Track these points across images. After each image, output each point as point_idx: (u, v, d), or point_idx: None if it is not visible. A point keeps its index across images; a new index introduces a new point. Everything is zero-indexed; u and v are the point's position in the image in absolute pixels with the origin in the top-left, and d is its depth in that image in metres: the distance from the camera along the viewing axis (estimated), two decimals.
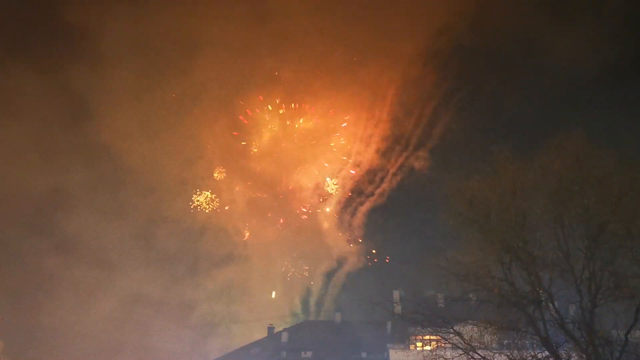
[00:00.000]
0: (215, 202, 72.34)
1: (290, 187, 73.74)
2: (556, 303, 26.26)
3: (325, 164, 74.49)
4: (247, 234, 72.44)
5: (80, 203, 67.08)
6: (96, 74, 67.67)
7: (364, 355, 54.25)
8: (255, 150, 74.22)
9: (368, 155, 73.61)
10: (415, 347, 48.63)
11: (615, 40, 64.72)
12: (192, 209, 71.24)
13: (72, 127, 68.68)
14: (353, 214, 73.27)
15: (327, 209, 73.98)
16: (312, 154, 74.10)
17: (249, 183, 73.76)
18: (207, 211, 71.50)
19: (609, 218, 24.58)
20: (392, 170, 73.30)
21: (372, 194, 73.53)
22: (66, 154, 67.86)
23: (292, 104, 73.91)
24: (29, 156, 66.64)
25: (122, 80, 68.23)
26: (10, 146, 65.92)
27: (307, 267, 71.83)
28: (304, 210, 74.01)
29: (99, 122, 68.88)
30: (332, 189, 74.02)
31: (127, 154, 68.11)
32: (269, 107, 73.59)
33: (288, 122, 74.08)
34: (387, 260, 72.39)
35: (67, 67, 68.22)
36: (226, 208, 72.91)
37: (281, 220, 73.28)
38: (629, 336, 24.88)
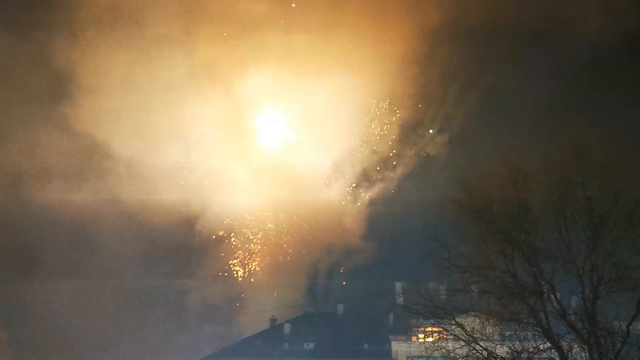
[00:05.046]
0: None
1: (297, 170, 72.31)
2: (558, 294, 26.29)
3: (335, 148, 73.01)
4: (248, 218, 71.25)
5: (64, 187, 63.94)
6: (79, 46, 63.60)
7: (365, 346, 54.35)
8: (259, 131, 72.52)
9: (378, 140, 72.55)
10: (417, 338, 48.70)
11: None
12: (188, 194, 69.95)
13: (52, 102, 63.93)
14: (360, 202, 72.59)
15: (334, 195, 72.97)
16: (322, 136, 72.37)
17: (252, 165, 72.21)
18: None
19: (612, 209, 24.56)
20: (403, 157, 72.42)
21: (381, 181, 72.77)
22: (46, 131, 63.92)
23: (303, 83, 71.86)
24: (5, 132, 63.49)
25: (109, 52, 65.43)
26: None
27: (309, 257, 71.38)
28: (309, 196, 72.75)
29: (84, 99, 64.01)
30: (340, 175, 72.93)
31: (116, 135, 64.45)
32: (277, 85, 71.74)
33: (299, 101, 72.23)
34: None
35: (45, 36, 63.18)
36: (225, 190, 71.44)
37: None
38: (630, 327, 24.88)
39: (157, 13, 67.06)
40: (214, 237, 69.53)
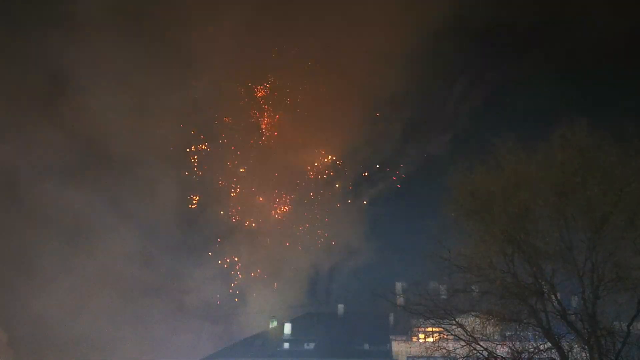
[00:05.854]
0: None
1: (296, 171, 72.34)
2: (558, 294, 26.29)
3: (337, 147, 72.92)
4: (251, 220, 71.26)
5: (62, 186, 63.60)
6: (75, 40, 63.94)
7: (366, 346, 54.34)
8: (259, 130, 72.57)
9: (380, 140, 72.45)
10: (418, 338, 48.70)
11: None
12: (190, 199, 69.95)
13: (47, 98, 64.89)
14: (360, 202, 72.50)
15: (334, 195, 72.93)
16: (321, 136, 72.24)
17: (251, 163, 72.14)
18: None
19: (612, 209, 24.49)
20: (404, 157, 72.35)
21: (382, 181, 72.74)
22: (44, 129, 64.05)
23: (301, 83, 71.88)
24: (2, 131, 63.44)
25: (106, 48, 65.03)
26: None
27: (310, 257, 71.34)
28: (310, 195, 72.70)
29: (79, 95, 65.07)
30: (340, 175, 72.89)
31: (115, 132, 64.81)
32: (276, 85, 71.74)
33: (299, 100, 72.15)
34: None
35: (44, 35, 63.88)
36: (226, 186, 71.33)
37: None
38: (631, 327, 24.87)
39: (157, 13, 67.42)
40: (214, 240, 69.73)
